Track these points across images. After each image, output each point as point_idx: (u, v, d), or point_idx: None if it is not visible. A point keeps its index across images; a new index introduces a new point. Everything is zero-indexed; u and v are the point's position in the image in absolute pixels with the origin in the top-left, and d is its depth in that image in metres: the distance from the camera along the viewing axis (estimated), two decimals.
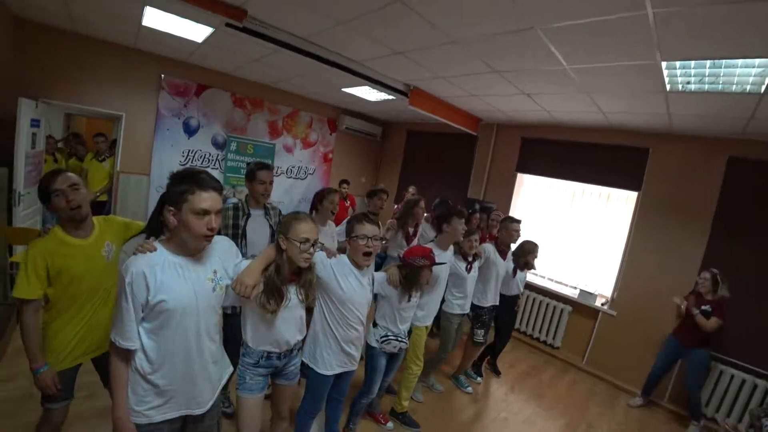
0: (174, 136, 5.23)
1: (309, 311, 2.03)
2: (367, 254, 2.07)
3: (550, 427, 3.49)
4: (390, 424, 2.99)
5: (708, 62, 2.53)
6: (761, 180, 3.84)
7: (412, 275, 2.43)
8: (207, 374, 1.55)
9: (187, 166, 5.35)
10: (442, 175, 6.64)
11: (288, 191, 6.67)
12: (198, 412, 1.54)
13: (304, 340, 2.10)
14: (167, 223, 1.40)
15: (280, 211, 2.76)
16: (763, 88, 2.69)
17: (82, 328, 1.83)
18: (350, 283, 2.07)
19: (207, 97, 5.39)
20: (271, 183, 2.64)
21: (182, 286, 1.40)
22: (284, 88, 6.02)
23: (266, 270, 1.71)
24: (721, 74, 2.67)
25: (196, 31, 3.66)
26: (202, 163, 5.54)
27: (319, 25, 3.08)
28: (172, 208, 1.37)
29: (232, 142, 5.76)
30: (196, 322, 1.46)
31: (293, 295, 1.81)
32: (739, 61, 2.44)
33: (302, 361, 2.13)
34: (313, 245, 1.74)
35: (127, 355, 1.39)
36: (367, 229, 2.07)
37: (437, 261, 2.54)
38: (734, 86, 2.80)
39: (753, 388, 3.72)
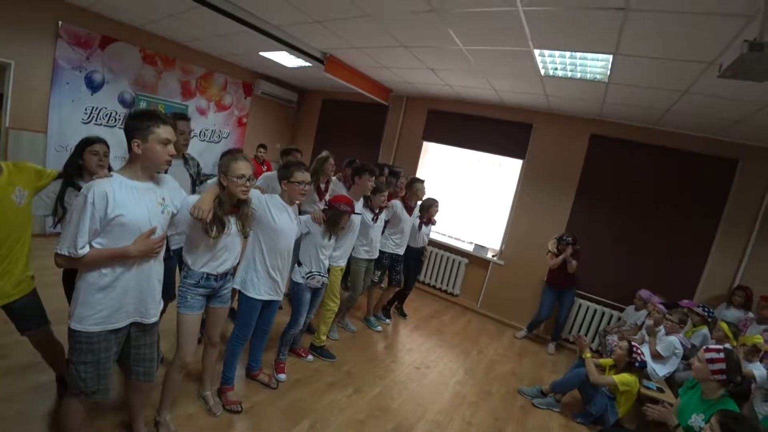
0: (75, 91, 4.87)
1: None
2: (302, 194, 2.56)
3: (448, 353, 4.19)
4: (310, 357, 3.41)
5: (567, 53, 3.18)
6: (613, 154, 4.84)
7: (334, 217, 2.93)
8: (153, 287, 1.79)
9: (91, 122, 5.08)
10: (355, 141, 6.96)
11: (201, 154, 6.44)
12: (147, 321, 1.79)
13: (236, 268, 2.45)
14: (133, 154, 1.63)
15: (198, 163, 2.97)
16: (607, 78, 3.44)
17: None
18: (282, 217, 2.50)
19: (113, 51, 5.06)
20: (189, 132, 2.91)
21: (137, 204, 1.63)
22: (199, 47, 5.85)
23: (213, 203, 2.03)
24: (578, 64, 3.36)
25: None
26: (108, 122, 5.23)
27: None
28: (138, 140, 1.61)
29: (141, 100, 5.51)
30: None
31: (233, 225, 2.15)
32: (588, 55, 3.12)
33: (234, 290, 2.46)
34: (248, 180, 2.07)
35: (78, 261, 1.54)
36: (306, 176, 2.53)
37: (355, 212, 3.07)
38: (588, 74, 3.52)
39: (602, 315, 4.83)
